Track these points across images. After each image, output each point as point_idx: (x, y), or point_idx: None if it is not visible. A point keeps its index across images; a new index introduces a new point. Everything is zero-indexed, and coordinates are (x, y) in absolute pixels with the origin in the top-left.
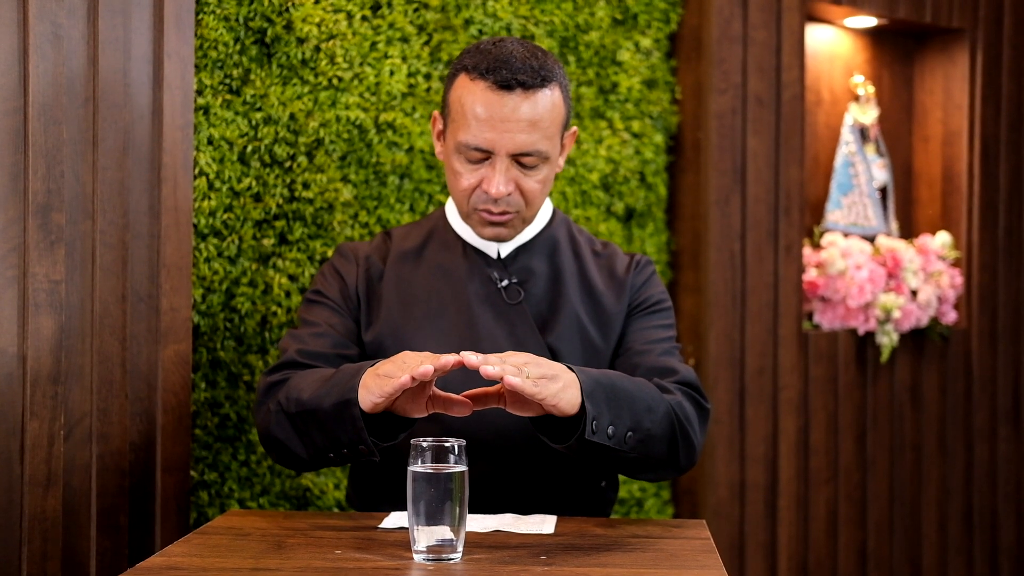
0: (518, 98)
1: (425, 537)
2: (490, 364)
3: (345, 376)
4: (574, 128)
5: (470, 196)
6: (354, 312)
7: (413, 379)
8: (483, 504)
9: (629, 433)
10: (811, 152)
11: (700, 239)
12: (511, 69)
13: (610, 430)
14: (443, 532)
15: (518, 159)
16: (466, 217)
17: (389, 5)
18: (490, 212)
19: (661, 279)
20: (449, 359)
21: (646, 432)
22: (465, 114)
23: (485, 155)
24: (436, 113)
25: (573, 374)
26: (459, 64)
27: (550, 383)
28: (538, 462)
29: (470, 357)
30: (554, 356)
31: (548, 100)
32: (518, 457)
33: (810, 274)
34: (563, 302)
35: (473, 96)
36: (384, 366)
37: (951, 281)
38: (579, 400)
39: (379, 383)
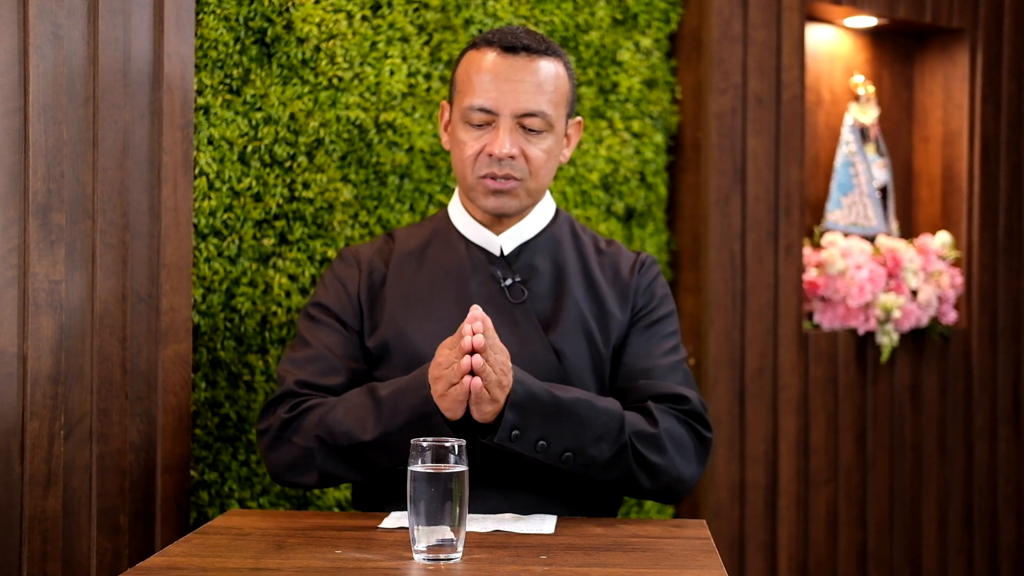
0: (523, 60)
1: (425, 537)
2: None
3: (407, 398)
4: (579, 118)
5: (474, 164)
6: (356, 321)
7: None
8: (485, 503)
9: (567, 453)
10: (811, 152)
11: (700, 239)
12: (516, 36)
13: (539, 444)
14: (443, 532)
15: (522, 123)
16: (469, 191)
17: (389, 5)
18: (494, 177)
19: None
20: (467, 343)
21: (590, 457)
22: (471, 80)
23: (489, 118)
24: (444, 102)
25: (503, 396)
26: (467, 46)
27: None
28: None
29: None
30: (558, 356)
31: (552, 69)
32: (522, 458)
33: (810, 274)
34: (567, 301)
35: (479, 63)
36: (441, 382)
37: (951, 281)
38: (497, 413)
39: (450, 402)
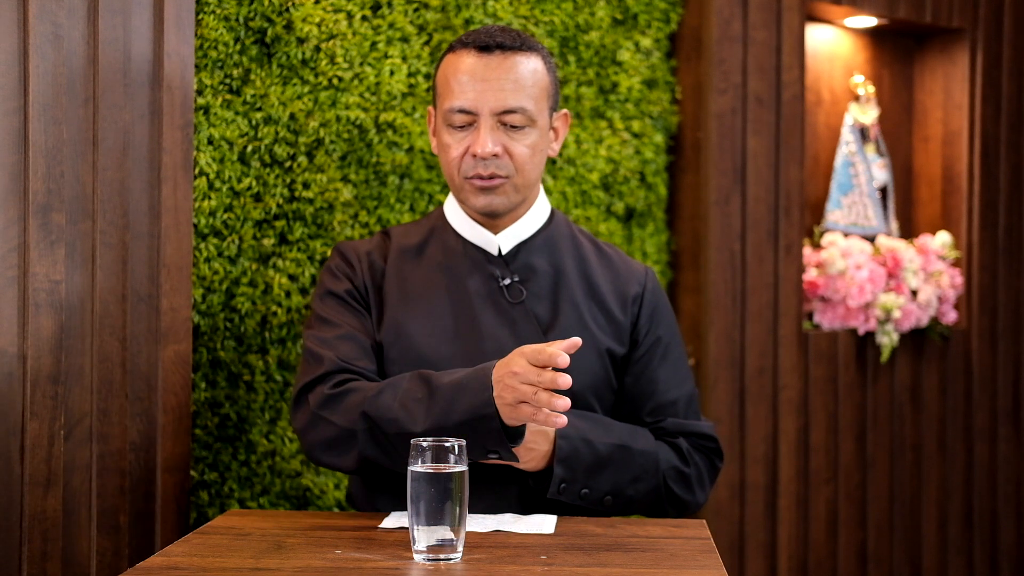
0: (499, 58)
1: (425, 537)
2: None
3: (464, 396)
4: (565, 111)
5: (459, 166)
6: (366, 307)
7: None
8: (484, 504)
9: (607, 497)
10: (811, 152)
11: (700, 239)
12: (490, 34)
13: (583, 492)
14: (443, 532)
15: (503, 120)
16: (459, 192)
17: (389, 5)
18: (480, 177)
19: (661, 280)
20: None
21: (628, 497)
22: (449, 82)
23: (470, 119)
24: (430, 107)
25: (548, 448)
26: (444, 51)
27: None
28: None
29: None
30: None
31: (529, 64)
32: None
33: (810, 274)
34: (566, 303)
35: (456, 65)
36: (512, 393)
37: (951, 281)
38: (543, 465)
39: (517, 415)
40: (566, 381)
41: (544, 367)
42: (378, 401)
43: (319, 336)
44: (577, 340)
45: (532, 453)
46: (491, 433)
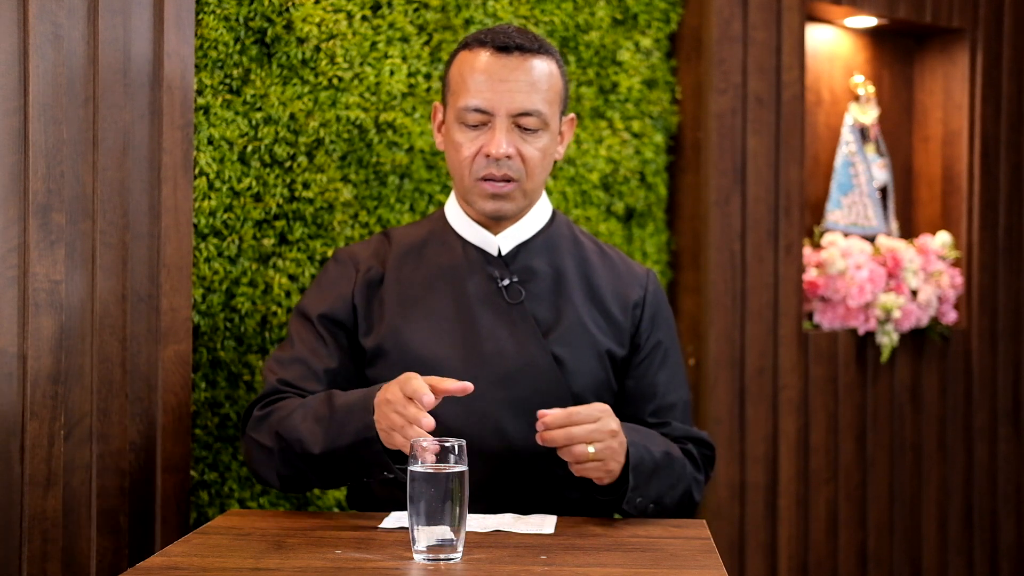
0: (516, 59)
1: (425, 537)
2: (556, 434)
3: (352, 419)
4: (572, 115)
5: (471, 165)
6: (350, 320)
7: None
8: (484, 504)
9: (651, 505)
10: (811, 152)
11: (700, 239)
12: (508, 35)
13: (638, 500)
14: (443, 532)
15: (518, 123)
16: (467, 193)
17: (389, 5)
18: (492, 178)
19: (661, 280)
20: (432, 394)
21: (664, 505)
22: (464, 80)
23: (485, 118)
24: (436, 103)
25: (624, 450)
26: (458, 47)
27: (605, 464)
28: (541, 464)
29: (544, 422)
30: (556, 361)
31: (545, 67)
32: (520, 459)
33: (810, 274)
34: (566, 305)
35: (472, 63)
36: (386, 421)
37: (951, 281)
38: (618, 473)
39: (391, 440)
40: (429, 423)
41: (411, 399)
42: (289, 421)
43: (275, 356)
44: (468, 385)
45: (610, 464)
46: (376, 455)
